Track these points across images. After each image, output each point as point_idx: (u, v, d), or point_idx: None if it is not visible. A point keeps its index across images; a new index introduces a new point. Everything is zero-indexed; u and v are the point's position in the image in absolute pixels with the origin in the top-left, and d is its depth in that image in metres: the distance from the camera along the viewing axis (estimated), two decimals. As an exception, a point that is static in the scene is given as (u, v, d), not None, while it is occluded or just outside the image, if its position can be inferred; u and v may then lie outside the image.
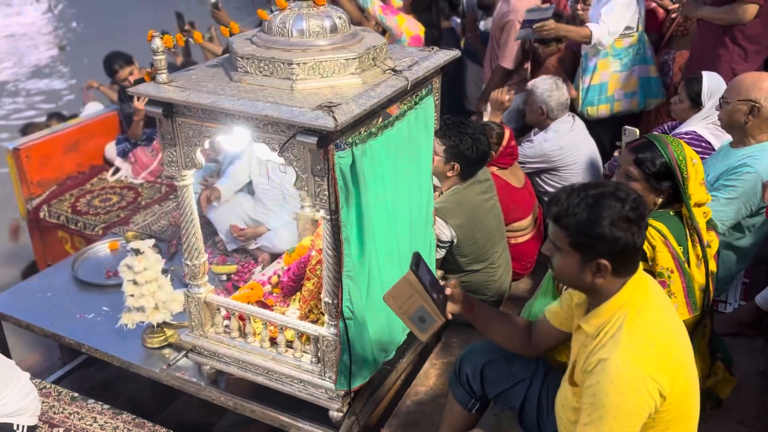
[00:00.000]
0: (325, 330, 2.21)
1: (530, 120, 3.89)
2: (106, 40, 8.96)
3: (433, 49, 2.46)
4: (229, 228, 3.60)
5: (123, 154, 4.81)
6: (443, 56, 2.40)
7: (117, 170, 4.80)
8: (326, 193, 1.95)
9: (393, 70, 2.17)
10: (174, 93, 2.04)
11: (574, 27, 4.06)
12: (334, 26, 2.12)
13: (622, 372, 1.60)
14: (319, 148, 1.87)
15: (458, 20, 5.56)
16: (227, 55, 2.27)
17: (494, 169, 3.33)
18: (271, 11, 2.19)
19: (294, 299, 2.68)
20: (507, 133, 3.34)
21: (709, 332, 2.36)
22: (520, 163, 3.62)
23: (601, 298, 1.73)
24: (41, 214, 4.36)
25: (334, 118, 1.79)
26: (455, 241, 2.89)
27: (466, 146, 2.82)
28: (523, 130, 4.27)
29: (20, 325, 3.11)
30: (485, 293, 3.08)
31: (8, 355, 3.27)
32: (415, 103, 2.29)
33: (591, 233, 1.63)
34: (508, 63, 4.30)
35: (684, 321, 1.97)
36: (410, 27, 4.34)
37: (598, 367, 1.63)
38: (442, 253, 2.91)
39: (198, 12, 7.32)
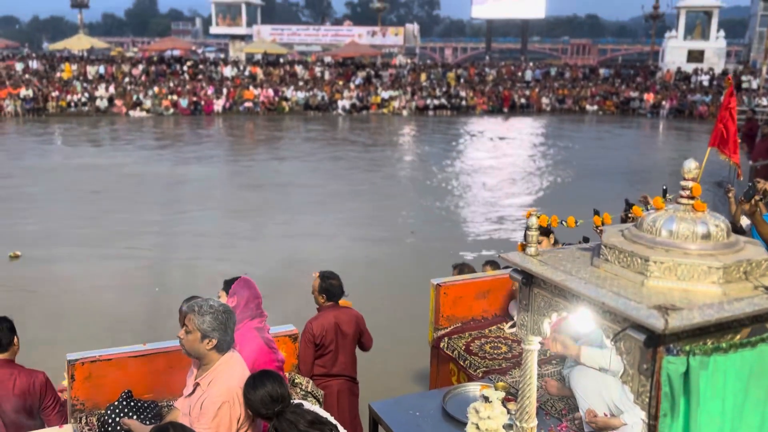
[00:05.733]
0: None
1: None
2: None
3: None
4: (587, 408, 3.54)
5: (524, 311, 5.21)
6: None
7: (514, 324, 5.20)
8: (648, 395, 1.88)
9: (767, 288, 1.99)
10: (533, 265, 2.28)
11: None
12: (707, 233, 2.09)
13: None
14: (647, 347, 1.84)
15: None
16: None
17: None
18: (647, 209, 2.27)
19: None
20: None
21: None
22: None
23: None
24: (441, 345, 4.99)
25: (665, 320, 1.77)
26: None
27: None
28: None
29: (389, 430, 3.62)
30: None
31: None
32: (795, 330, 2.03)
33: None
34: None
35: None
36: None
37: None
38: None
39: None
